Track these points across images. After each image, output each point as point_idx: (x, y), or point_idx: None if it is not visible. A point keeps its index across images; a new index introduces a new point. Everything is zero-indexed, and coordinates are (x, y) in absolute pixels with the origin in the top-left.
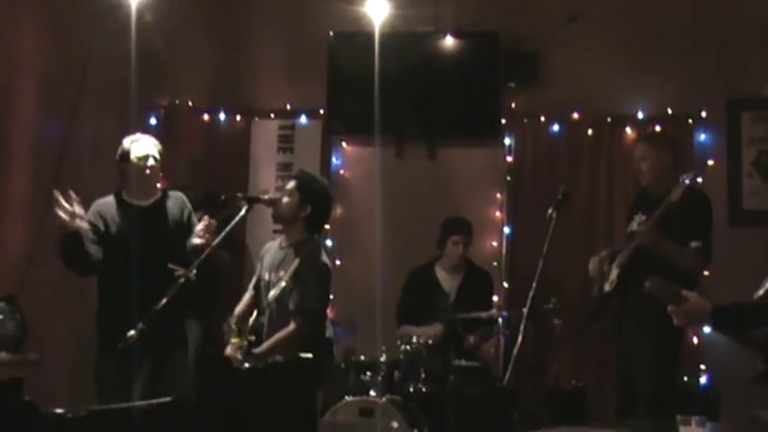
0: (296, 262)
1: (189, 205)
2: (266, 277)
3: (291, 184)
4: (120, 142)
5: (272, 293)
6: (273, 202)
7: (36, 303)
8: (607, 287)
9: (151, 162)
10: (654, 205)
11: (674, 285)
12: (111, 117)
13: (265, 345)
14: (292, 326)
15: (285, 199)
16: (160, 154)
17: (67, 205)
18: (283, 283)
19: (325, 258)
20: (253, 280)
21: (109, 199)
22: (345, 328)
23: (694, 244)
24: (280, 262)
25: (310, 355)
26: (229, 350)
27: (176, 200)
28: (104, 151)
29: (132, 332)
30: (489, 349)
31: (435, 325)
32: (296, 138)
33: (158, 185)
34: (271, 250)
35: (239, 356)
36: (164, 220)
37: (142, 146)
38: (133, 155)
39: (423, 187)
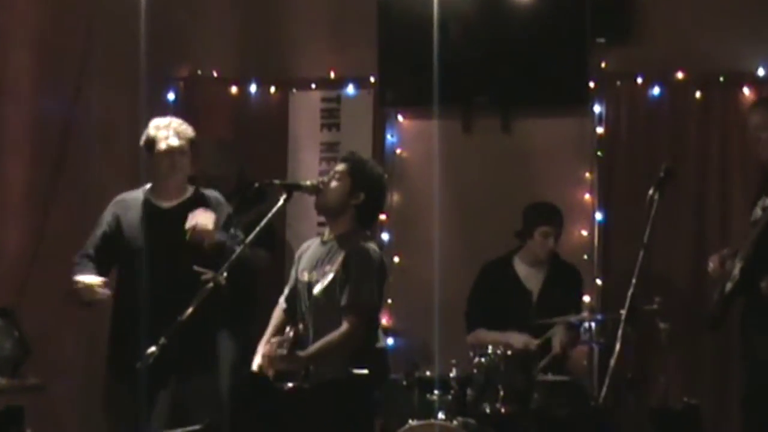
0: (342, 254)
1: (227, 209)
2: (305, 278)
3: (340, 167)
4: (134, 122)
5: (318, 288)
6: (317, 189)
7: (38, 316)
8: (728, 286)
9: (178, 158)
10: None
11: None
12: (121, 93)
13: (314, 347)
14: (345, 326)
15: (333, 184)
16: (192, 143)
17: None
18: (331, 275)
19: (376, 249)
20: (286, 291)
21: (134, 195)
22: (406, 339)
23: None
24: (323, 258)
25: (365, 371)
26: (267, 349)
27: (211, 203)
28: (115, 133)
29: (152, 348)
30: (581, 360)
31: (520, 334)
32: (343, 112)
33: (188, 183)
34: (309, 249)
35: (281, 353)
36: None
37: (168, 135)
38: (158, 147)
39: (496, 166)
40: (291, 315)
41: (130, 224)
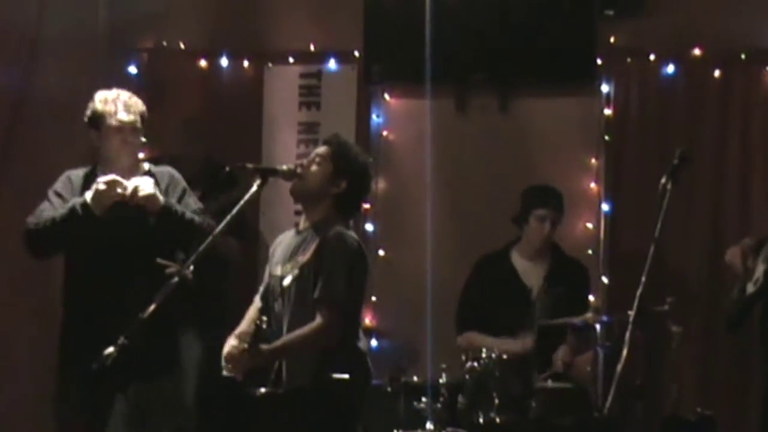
0: (316, 242)
1: (182, 183)
2: (278, 271)
3: (322, 150)
4: (91, 96)
5: (288, 279)
6: (294, 174)
7: None
8: (750, 288)
9: (130, 135)
10: None
11: None
12: (78, 65)
13: (280, 341)
14: (317, 320)
15: (313, 168)
16: (143, 118)
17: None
18: (303, 265)
19: (354, 236)
20: (261, 288)
21: (80, 175)
22: (391, 340)
23: None
24: (297, 248)
25: (346, 376)
26: (231, 343)
27: (162, 179)
28: (70, 107)
29: (110, 349)
30: (584, 365)
31: (520, 338)
32: (324, 89)
33: (141, 161)
34: (283, 242)
35: (242, 347)
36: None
37: (117, 109)
38: (107, 122)
39: (493, 150)
40: (266, 311)
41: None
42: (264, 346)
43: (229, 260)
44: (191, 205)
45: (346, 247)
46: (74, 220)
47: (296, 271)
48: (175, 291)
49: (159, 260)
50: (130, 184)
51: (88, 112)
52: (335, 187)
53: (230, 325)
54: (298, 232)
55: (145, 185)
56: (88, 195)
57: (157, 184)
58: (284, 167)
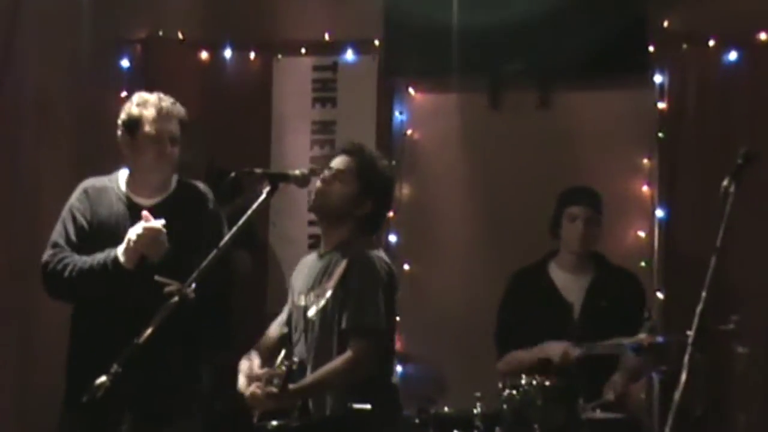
0: (343, 263)
1: (213, 207)
2: (301, 302)
3: (344, 163)
4: (76, 94)
5: (312, 310)
6: (307, 180)
7: None
8: None
9: (168, 146)
10: None
11: None
12: (61, 57)
13: (309, 378)
14: (348, 353)
15: (336, 186)
16: (183, 126)
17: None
18: (329, 293)
19: (384, 258)
20: (283, 316)
21: (104, 185)
22: (418, 366)
23: None
24: (320, 274)
25: (368, 406)
26: (248, 387)
27: (196, 197)
28: (50, 105)
29: (103, 378)
30: (638, 393)
31: (558, 343)
32: (340, 83)
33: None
34: (304, 269)
35: (271, 390)
36: (173, 228)
37: (156, 116)
38: (143, 130)
39: (531, 152)
40: (286, 341)
41: (101, 223)
42: (293, 386)
43: (237, 277)
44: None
45: (375, 270)
46: (102, 274)
47: (322, 302)
48: (176, 312)
49: (157, 277)
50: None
51: (123, 115)
52: (360, 208)
53: (238, 349)
54: (321, 256)
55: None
56: (120, 249)
57: (190, 206)
58: (296, 172)
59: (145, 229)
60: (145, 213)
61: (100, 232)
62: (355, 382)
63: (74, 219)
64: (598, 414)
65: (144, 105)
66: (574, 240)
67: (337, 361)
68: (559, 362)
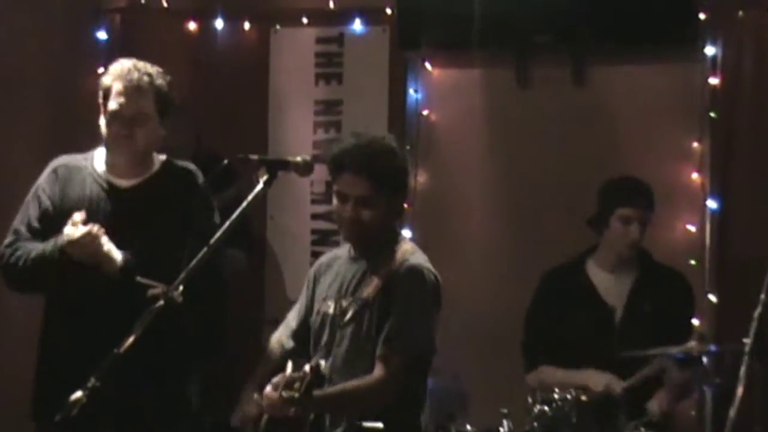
0: (384, 271)
1: (203, 192)
2: (330, 309)
3: (359, 186)
4: (50, 69)
5: (345, 320)
6: (310, 167)
7: None
8: None
9: (126, 127)
10: None
11: None
12: (33, 29)
13: (335, 389)
14: (380, 371)
15: (367, 215)
16: (166, 103)
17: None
18: (367, 304)
19: (431, 267)
20: (293, 324)
21: (79, 164)
22: (437, 380)
23: None
24: (354, 278)
25: (379, 425)
26: (267, 391)
27: (182, 179)
28: (19, 79)
29: (78, 394)
30: (687, 409)
31: (602, 373)
32: (347, 57)
33: (156, 153)
34: (332, 268)
35: (290, 395)
36: (154, 213)
37: (124, 91)
38: (112, 104)
39: (564, 134)
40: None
41: (72, 206)
42: (317, 392)
43: (231, 276)
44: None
45: (425, 285)
46: (51, 263)
47: (356, 313)
48: (161, 318)
49: (140, 279)
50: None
51: (101, 86)
52: (397, 214)
53: (230, 357)
54: (354, 259)
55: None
56: (66, 234)
57: (175, 189)
58: (298, 158)
59: (81, 237)
60: (76, 216)
61: (71, 216)
62: (382, 404)
63: (39, 202)
64: None
65: (115, 75)
66: (625, 246)
67: (367, 381)
68: (602, 392)
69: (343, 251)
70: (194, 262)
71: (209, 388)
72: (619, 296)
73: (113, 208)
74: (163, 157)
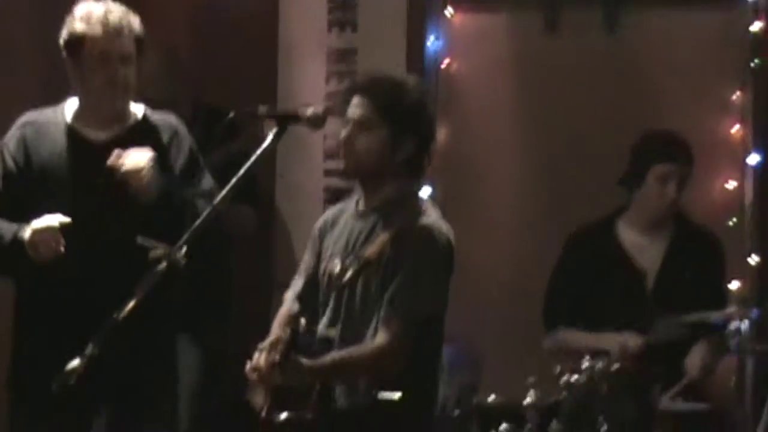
0: (391, 230)
1: (185, 138)
2: (335, 268)
3: (360, 107)
4: (40, 27)
5: (347, 278)
6: (322, 120)
7: None
8: None
9: (120, 69)
10: None
11: None
12: None
13: (330, 357)
14: (382, 337)
15: (363, 141)
16: (141, 45)
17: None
18: (371, 263)
19: (443, 226)
20: (299, 284)
21: (49, 118)
22: (458, 349)
23: None
24: (360, 235)
25: (397, 395)
26: (254, 359)
27: (163, 131)
28: (14, 43)
29: (75, 362)
30: (725, 378)
31: (619, 334)
32: (361, 3)
33: (133, 102)
34: (338, 225)
35: (272, 358)
36: None
37: (105, 32)
38: (89, 50)
39: (595, 85)
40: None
41: (43, 164)
42: (305, 361)
43: (238, 234)
44: (202, 183)
45: (435, 245)
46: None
47: (362, 271)
48: (163, 282)
49: (140, 240)
50: (116, 159)
51: (65, 33)
52: (399, 152)
53: (237, 326)
54: (360, 214)
55: (136, 161)
56: (27, 231)
57: (156, 142)
58: (309, 111)
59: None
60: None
61: (42, 177)
62: (384, 375)
63: (3, 163)
64: (679, 405)
65: (87, 19)
66: (663, 205)
67: (369, 347)
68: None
69: (350, 204)
70: (199, 220)
71: (215, 359)
72: (652, 259)
73: (87, 164)
74: (141, 106)
